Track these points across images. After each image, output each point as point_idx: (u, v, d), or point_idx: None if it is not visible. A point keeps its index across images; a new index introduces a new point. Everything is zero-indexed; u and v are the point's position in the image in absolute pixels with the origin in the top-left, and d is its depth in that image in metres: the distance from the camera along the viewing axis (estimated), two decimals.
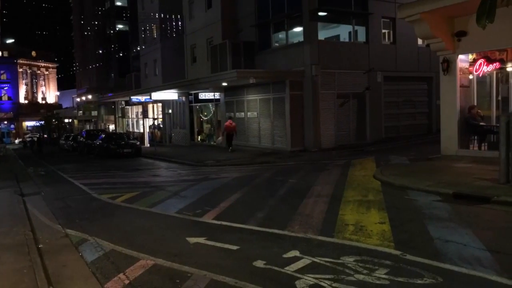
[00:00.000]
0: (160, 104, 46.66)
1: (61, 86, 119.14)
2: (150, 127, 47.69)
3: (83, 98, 71.38)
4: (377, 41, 30.28)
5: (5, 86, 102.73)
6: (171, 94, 39.82)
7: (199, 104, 39.50)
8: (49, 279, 7.54)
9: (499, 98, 18.09)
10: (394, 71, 30.59)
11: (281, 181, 16.89)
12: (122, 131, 51.57)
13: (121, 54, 66.44)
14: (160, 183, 19.17)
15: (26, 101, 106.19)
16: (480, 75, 17.93)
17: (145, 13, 51.22)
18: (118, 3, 72.54)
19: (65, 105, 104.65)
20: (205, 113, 39.89)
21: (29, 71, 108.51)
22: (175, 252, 8.61)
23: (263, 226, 10.23)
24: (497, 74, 17.96)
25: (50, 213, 13.58)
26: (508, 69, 17.28)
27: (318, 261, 7.50)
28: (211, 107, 38.52)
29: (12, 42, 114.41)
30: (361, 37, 30.27)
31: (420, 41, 28.57)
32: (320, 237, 9.02)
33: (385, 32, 31.18)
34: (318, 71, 27.24)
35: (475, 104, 18.23)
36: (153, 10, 48.95)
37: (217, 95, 35.91)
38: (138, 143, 37.11)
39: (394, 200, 12.31)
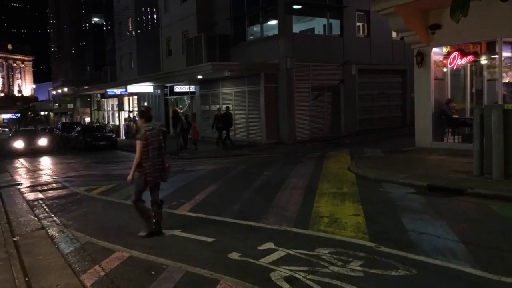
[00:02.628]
0: (135, 97, 46.36)
1: (37, 79, 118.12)
2: (126, 119, 47.42)
3: (59, 91, 70.65)
4: (352, 34, 30.40)
5: None
6: (146, 87, 39.57)
7: (174, 97, 39.29)
8: (25, 271, 7.51)
9: (473, 90, 18.29)
10: (369, 64, 30.75)
11: (256, 174, 16.91)
12: (99, 123, 51.12)
13: (97, 47, 65.87)
14: None
15: (2, 94, 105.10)
16: (454, 68, 18.07)
17: (121, 6, 50.82)
18: None
19: (41, 98, 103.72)
20: (181, 106, 39.72)
21: (5, 64, 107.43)
22: (150, 244, 8.58)
23: (238, 218, 10.24)
24: (471, 67, 18.15)
25: (26, 205, 13.49)
26: (482, 62, 17.45)
27: (293, 253, 7.52)
28: (186, 100, 38.38)
29: None
30: (336, 30, 30.34)
31: (394, 34, 28.69)
32: (295, 229, 9.04)
33: (359, 25, 31.29)
34: (293, 64, 27.25)
35: (450, 97, 18.39)
36: (128, 3, 48.57)
37: (192, 88, 35.75)
38: (113, 135, 36.88)
39: (369, 192, 12.38)
